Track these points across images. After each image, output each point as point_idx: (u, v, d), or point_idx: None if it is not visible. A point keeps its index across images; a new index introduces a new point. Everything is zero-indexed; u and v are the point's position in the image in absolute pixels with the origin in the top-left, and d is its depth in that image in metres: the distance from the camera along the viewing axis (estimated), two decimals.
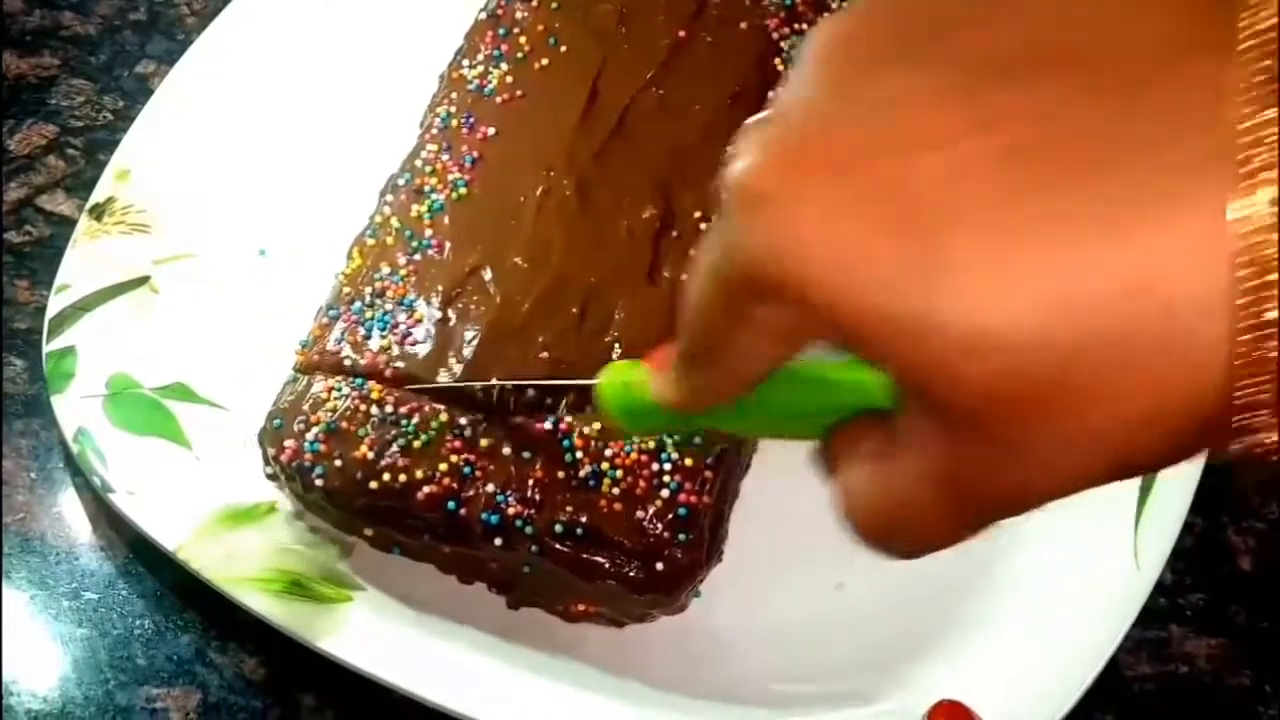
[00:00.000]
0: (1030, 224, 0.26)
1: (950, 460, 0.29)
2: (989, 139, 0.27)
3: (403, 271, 0.55)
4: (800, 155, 0.29)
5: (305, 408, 0.53)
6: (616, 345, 0.53)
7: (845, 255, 0.28)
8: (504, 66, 0.61)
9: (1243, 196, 0.24)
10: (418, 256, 0.56)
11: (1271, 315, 0.25)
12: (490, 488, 0.50)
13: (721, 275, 0.31)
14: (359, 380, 0.53)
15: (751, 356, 0.34)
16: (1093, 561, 0.55)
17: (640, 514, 0.50)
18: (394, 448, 0.51)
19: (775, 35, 0.60)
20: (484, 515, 0.50)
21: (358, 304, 0.55)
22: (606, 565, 0.50)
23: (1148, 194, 0.25)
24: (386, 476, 0.51)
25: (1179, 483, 0.57)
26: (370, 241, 0.57)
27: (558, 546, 0.50)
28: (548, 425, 0.51)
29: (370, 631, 0.53)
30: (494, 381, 0.52)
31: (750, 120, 0.31)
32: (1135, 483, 0.56)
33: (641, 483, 0.50)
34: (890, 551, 0.34)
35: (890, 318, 0.27)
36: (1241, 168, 0.24)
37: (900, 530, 0.33)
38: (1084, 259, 0.26)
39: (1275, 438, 0.26)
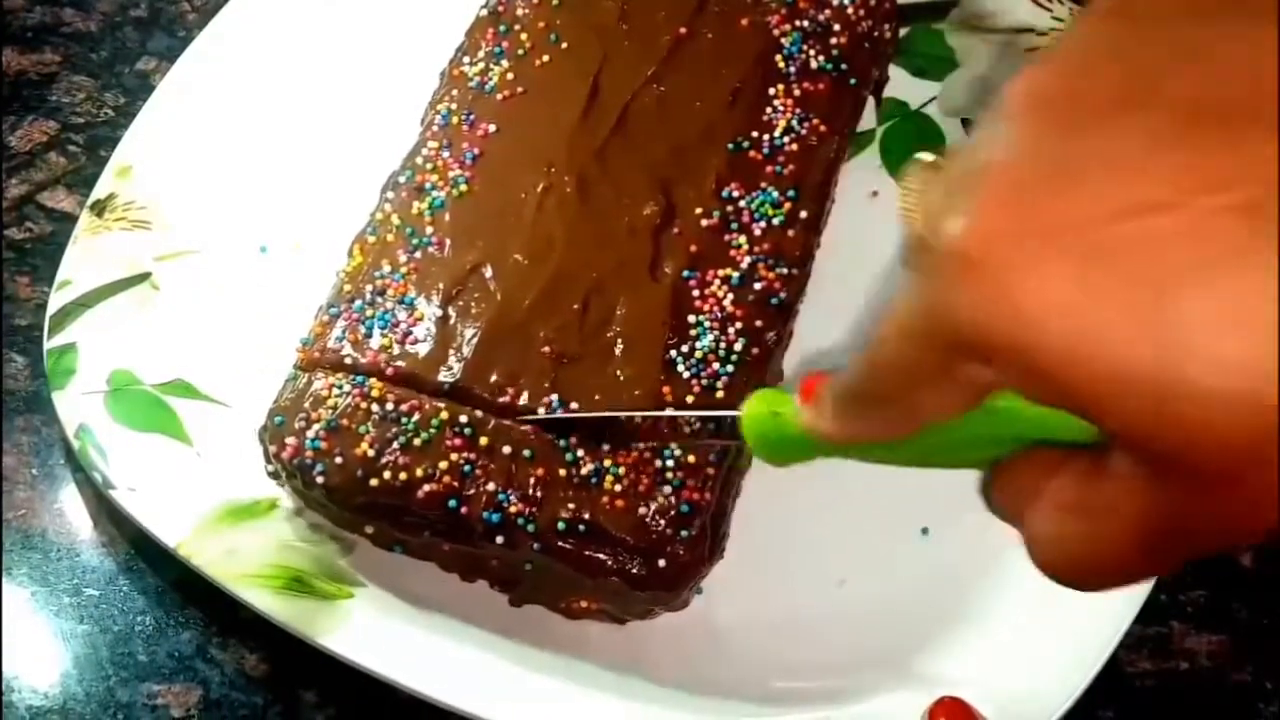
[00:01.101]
0: (1276, 280, 0.25)
1: (1161, 506, 0.29)
2: (1221, 196, 0.26)
3: (403, 269, 0.55)
4: (1021, 218, 0.29)
5: (306, 405, 0.53)
6: (619, 341, 0.53)
7: (1079, 322, 0.28)
8: (505, 63, 0.61)
9: None
10: (418, 254, 0.56)
11: None
12: (491, 486, 0.50)
13: (927, 334, 0.31)
14: (360, 378, 0.53)
15: (938, 405, 0.33)
16: None
17: (642, 511, 0.50)
18: (395, 445, 0.51)
19: (776, 32, 0.60)
20: (485, 513, 0.50)
21: (358, 302, 0.55)
22: (609, 562, 0.50)
23: None
24: (387, 474, 0.51)
25: None
26: (371, 239, 0.57)
27: (560, 544, 0.50)
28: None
29: (371, 628, 0.53)
30: (631, 413, 0.52)
31: (931, 159, 0.32)
32: None
33: (644, 480, 0.50)
34: (1084, 586, 0.33)
35: (1129, 381, 0.27)
36: None
37: (1097, 575, 0.32)
38: None
39: None
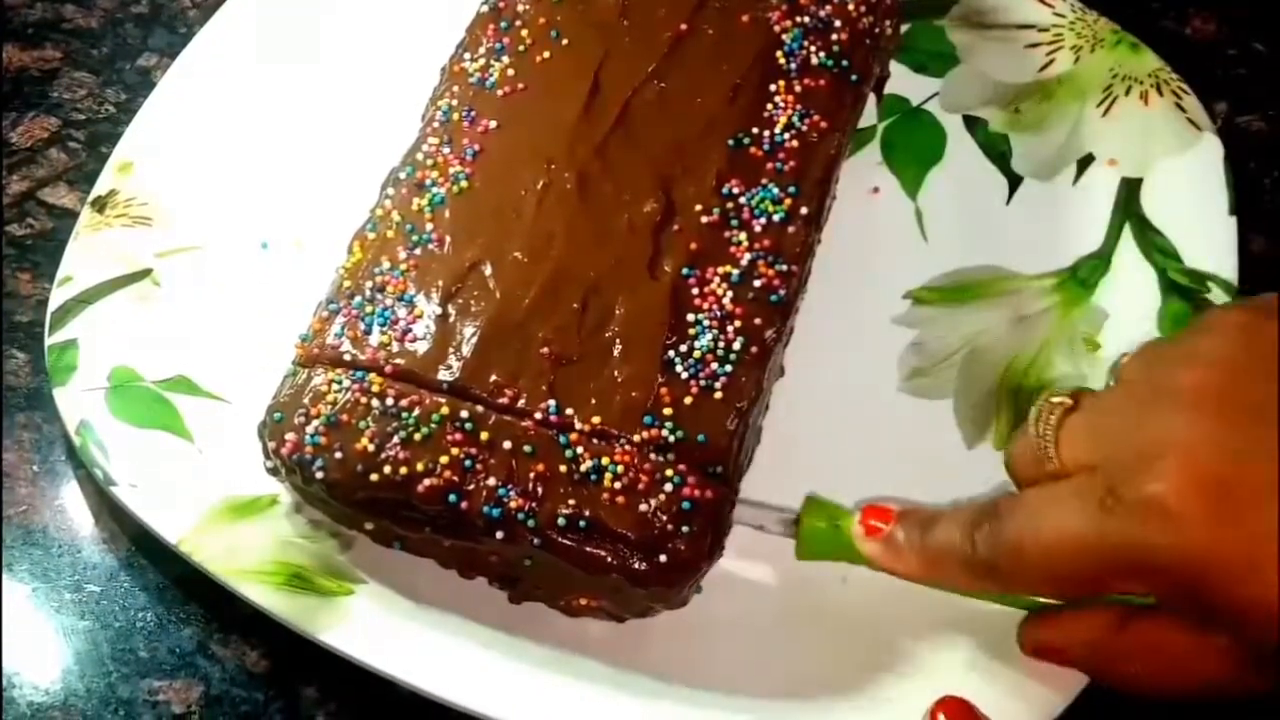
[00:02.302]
0: None
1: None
2: None
3: (403, 266, 0.55)
4: (1216, 486, 0.38)
5: (305, 401, 0.53)
6: (617, 342, 0.53)
7: (1262, 575, 0.37)
8: (505, 59, 0.61)
9: None
10: (418, 251, 0.56)
11: None
12: (492, 481, 0.50)
13: (1111, 556, 0.40)
14: (359, 373, 0.53)
15: (1061, 596, 0.47)
16: None
17: (643, 507, 0.50)
18: (395, 440, 0.51)
19: (777, 28, 0.60)
20: (485, 509, 0.50)
21: (358, 299, 0.55)
22: (609, 558, 0.50)
23: None
24: (387, 469, 0.51)
25: None
26: (371, 235, 0.57)
27: (560, 540, 0.50)
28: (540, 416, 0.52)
29: (372, 624, 0.53)
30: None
31: (1063, 400, 0.45)
32: None
33: (644, 477, 0.50)
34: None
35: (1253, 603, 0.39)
36: None
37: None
38: None
39: None
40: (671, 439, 0.51)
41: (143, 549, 0.58)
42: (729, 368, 0.53)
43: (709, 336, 0.53)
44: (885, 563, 0.49)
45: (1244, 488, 0.38)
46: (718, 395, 0.52)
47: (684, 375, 0.52)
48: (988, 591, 0.49)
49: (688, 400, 0.52)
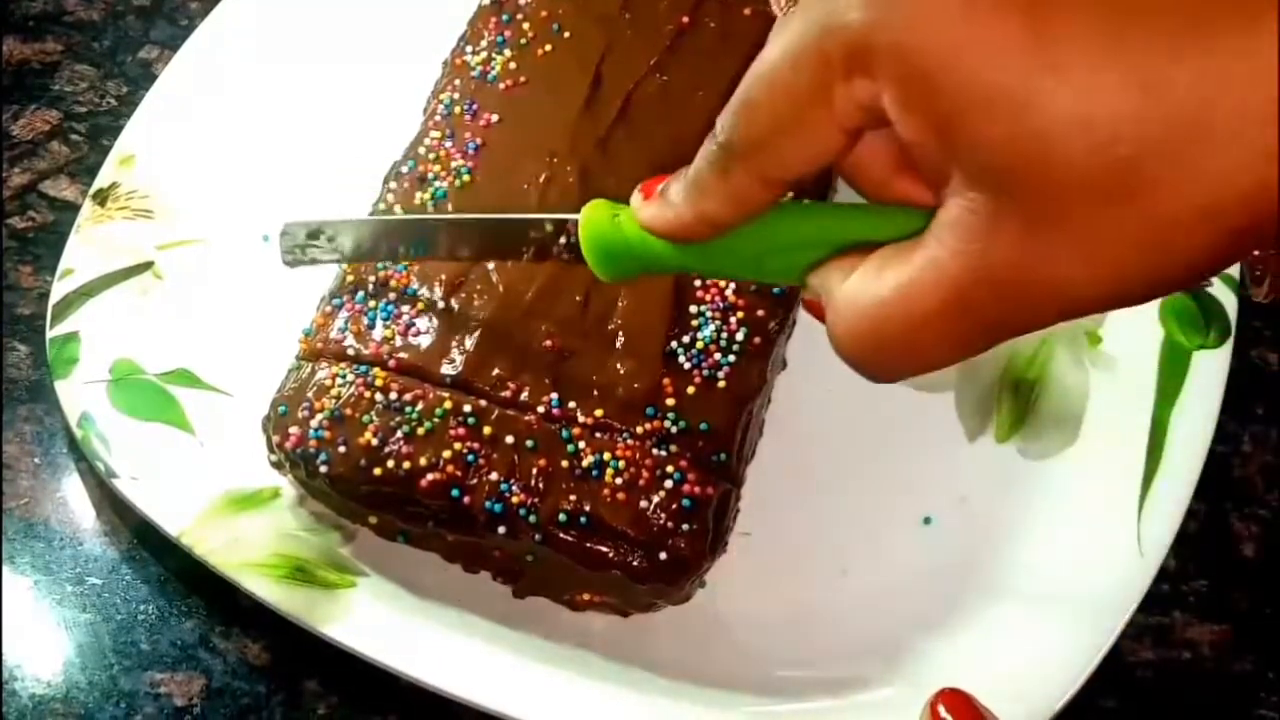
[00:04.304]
0: (1130, 27, 0.28)
1: (996, 254, 0.31)
2: None
3: (405, 261, 0.55)
4: None
5: (310, 394, 0.53)
6: (620, 334, 0.53)
7: (968, 27, 0.29)
8: (507, 53, 0.61)
9: None
10: None
11: None
12: (494, 476, 0.51)
13: (815, 46, 0.32)
14: (363, 367, 0.53)
15: (810, 149, 0.34)
16: (1096, 548, 0.55)
17: (644, 504, 0.50)
18: (398, 435, 0.51)
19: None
20: (488, 503, 0.50)
21: (361, 293, 0.55)
22: (610, 555, 0.50)
23: (1246, 6, 0.28)
24: (390, 463, 0.51)
25: (1182, 470, 0.57)
26: None
27: (561, 535, 0.50)
28: (543, 410, 0.52)
29: (373, 617, 0.53)
30: (466, 215, 0.52)
31: None
32: (1138, 470, 0.56)
33: (645, 473, 0.50)
34: (884, 369, 0.35)
35: (999, 92, 0.29)
36: None
37: (902, 343, 0.33)
38: (1181, 62, 0.28)
39: None
40: (674, 429, 0.51)
41: (144, 542, 0.58)
42: (732, 358, 0.53)
43: (712, 328, 0.53)
44: (661, 225, 0.40)
45: None
46: (721, 385, 0.52)
47: (686, 366, 0.53)
48: (743, 217, 0.39)
49: (690, 390, 0.52)
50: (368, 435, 0.51)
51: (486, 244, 0.51)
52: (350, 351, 0.53)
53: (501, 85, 0.60)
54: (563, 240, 0.46)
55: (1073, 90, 0.28)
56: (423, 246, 0.52)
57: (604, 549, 0.50)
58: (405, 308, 0.54)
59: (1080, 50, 0.28)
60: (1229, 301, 0.61)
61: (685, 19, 0.61)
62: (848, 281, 0.35)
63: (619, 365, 0.53)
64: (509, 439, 0.51)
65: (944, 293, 0.32)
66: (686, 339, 0.53)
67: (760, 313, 0.54)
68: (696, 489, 0.50)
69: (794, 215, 0.38)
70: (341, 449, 0.51)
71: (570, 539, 0.50)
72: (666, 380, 0.52)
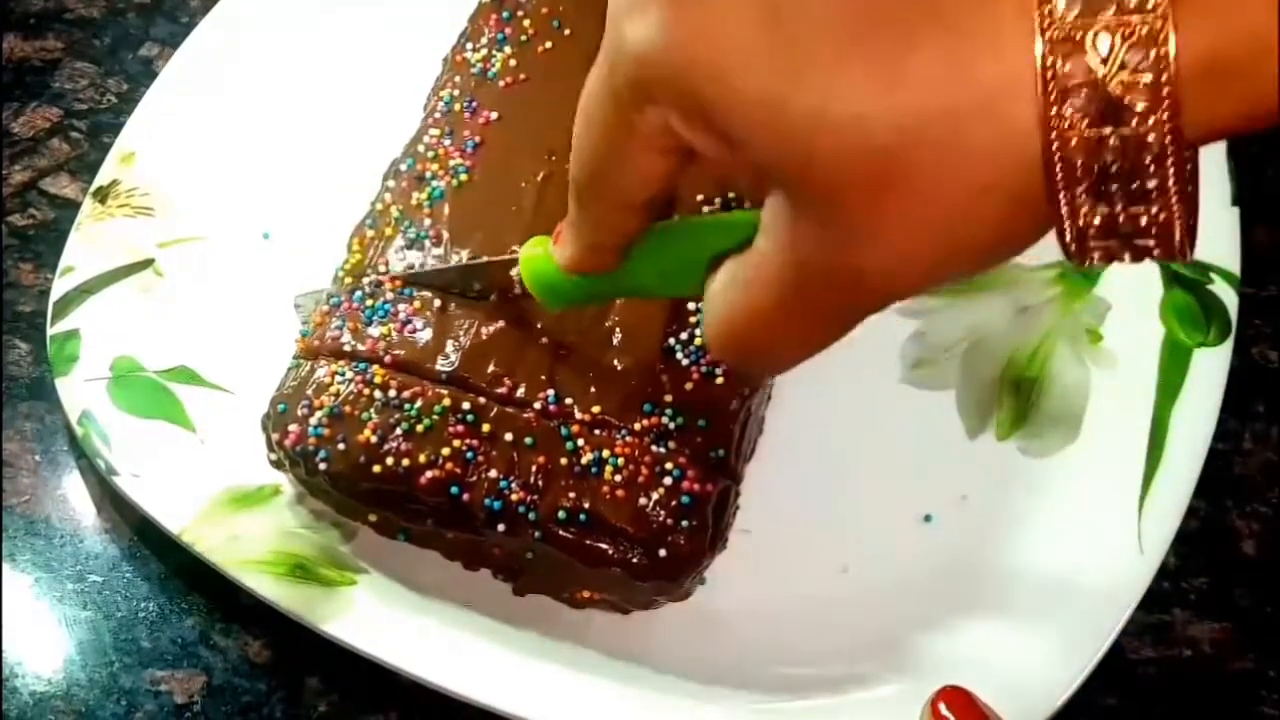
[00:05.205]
0: (866, 23, 0.29)
1: (802, 251, 0.32)
2: None
3: (401, 266, 0.55)
4: None
5: (309, 392, 0.53)
6: (617, 330, 0.53)
7: (722, 45, 0.31)
8: (507, 50, 0.61)
9: None
10: (415, 247, 0.56)
11: (1074, 81, 0.28)
12: (493, 473, 0.50)
13: (610, 83, 0.35)
14: (362, 364, 0.53)
15: (637, 174, 0.37)
16: (1096, 546, 0.55)
17: (643, 501, 0.50)
18: (397, 432, 0.51)
19: None
20: (487, 501, 0.50)
21: (358, 293, 0.55)
22: (610, 552, 0.50)
23: None
24: (390, 461, 0.51)
25: (1183, 467, 0.57)
26: (370, 232, 0.57)
27: (561, 533, 0.50)
28: (540, 406, 0.52)
29: (374, 615, 0.53)
30: (434, 269, 0.54)
31: None
32: (1139, 467, 0.56)
33: (644, 470, 0.50)
34: (749, 363, 0.37)
35: (757, 100, 0.30)
36: None
37: (755, 338, 0.35)
38: (919, 50, 0.29)
39: (1090, 214, 0.29)
40: (672, 426, 0.51)
41: (145, 539, 0.58)
42: None
43: None
44: (564, 262, 0.43)
45: None
46: (719, 381, 0.52)
47: (685, 362, 0.52)
48: (617, 241, 0.42)
49: (688, 386, 0.52)
50: (367, 433, 0.51)
51: (467, 286, 0.54)
52: (347, 349, 0.53)
53: (502, 83, 0.60)
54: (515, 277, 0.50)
55: (816, 91, 0.29)
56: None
57: (603, 546, 0.50)
58: (402, 306, 0.54)
59: (819, 53, 0.29)
60: (1230, 299, 0.61)
61: None
62: (708, 289, 0.37)
63: (616, 361, 0.53)
64: (508, 436, 0.51)
65: (774, 290, 0.34)
66: (684, 335, 0.53)
67: None
68: (696, 486, 0.50)
69: (675, 235, 0.41)
70: (341, 446, 0.51)
71: (570, 536, 0.50)
72: (664, 376, 0.52)
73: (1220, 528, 0.59)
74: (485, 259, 0.53)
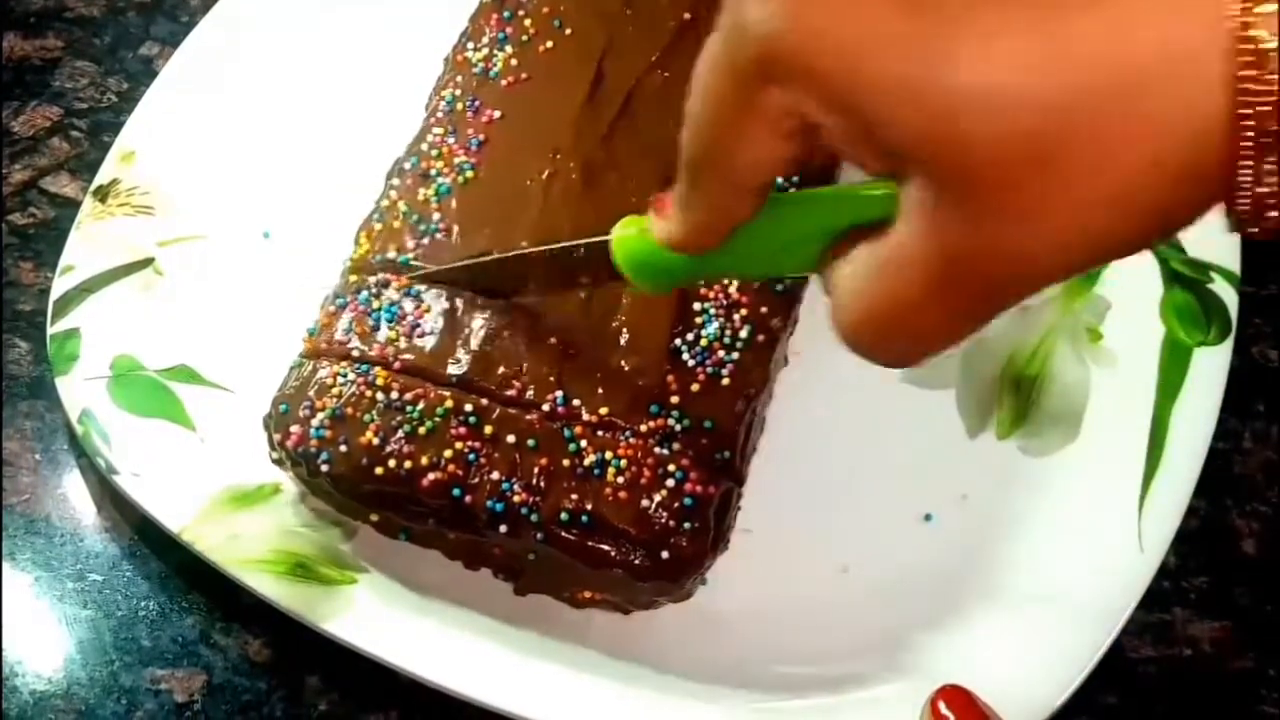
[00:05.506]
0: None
1: (950, 236, 0.30)
2: None
3: (410, 257, 0.55)
4: None
5: (311, 393, 0.53)
6: (624, 331, 0.53)
7: (856, 24, 0.29)
8: (509, 49, 0.61)
9: None
10: (425, 241, 0.56)
11: (1270, 45, 0.26)
12: (495, 475, 0.50)
13: (730, 62, 0.32)
14: (364, 366, 0.53)
15: (758, 157, 0.35)
16: (1096, 545, 0.55)
17: (645, 503, 0.50)
18: (399, 434, 0.51)
19: None
20: (489, 502, 0.50)
21: (364, 293, 0.55)
22: (612, 553, 0.50)
23: None
24: (392, 462, 0.51)
25: (1183, 466, 0.57)
26: (378, 226, 0.57)
27: (563, 534, 0.50)
28: (548, 408, 0.52)
29: (374, 614, 0.53)
30: (500, 254, 0.53)
31: None
32: (1139, 466, 0.56)
33: (646, 472, 0.50)
34: (887, 354, 0.35)
35: (899, 81, 0.29)
36: None
37: (895, 327, 0.33)
38: (1083, 17, 0.27)
39: (1274, 179, 0.27)
40: (677, 427, 0.51)
41: (145, 538, 0.58)
42: (736, 355, 0.53)
43: (715, 325, 0.53)
44: (670, 240, 0.41)
45: None
46: (725, 382, 0.52)
47: (691, 363, 0.53)
48: (731, 221, 0.39)
49: (694, 387, 0.52)
50: (369, 434, 0.51)
51: (537, 282, 0.52)
52: (355, 353, 0.53)
53: (503, 82, 0.60)
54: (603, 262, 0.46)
55: (965, 67, 0.28)
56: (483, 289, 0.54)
57: (605, 548, 0.50)
58: (409, 307, 0.54)
59: (965, 24, 0.28)
60: (1230, 298, 0.61)
61: (687, 14, 0.60)
62: (839, 274, 0.35)
63: (623, 362, 0.53)
64: (510, 438, 0.51)
65: (918, 276, 0.32)
66: (691, 336, 0.53)
67: (764, 309, 0.54)
68: (698, 488, 0.50)
69: (793, 208, 0.39)
70: (343, 448, 0.51)
71: (572, 538, 0.50)
72: (671, 378, 0.52)
73: (1220, 527, 0.59)
74: (570, 242, 0.49)
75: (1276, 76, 0.26)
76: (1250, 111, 0.26)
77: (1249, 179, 0.27)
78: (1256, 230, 0.28)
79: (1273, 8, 0.26)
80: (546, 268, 0.51)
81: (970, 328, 0.33)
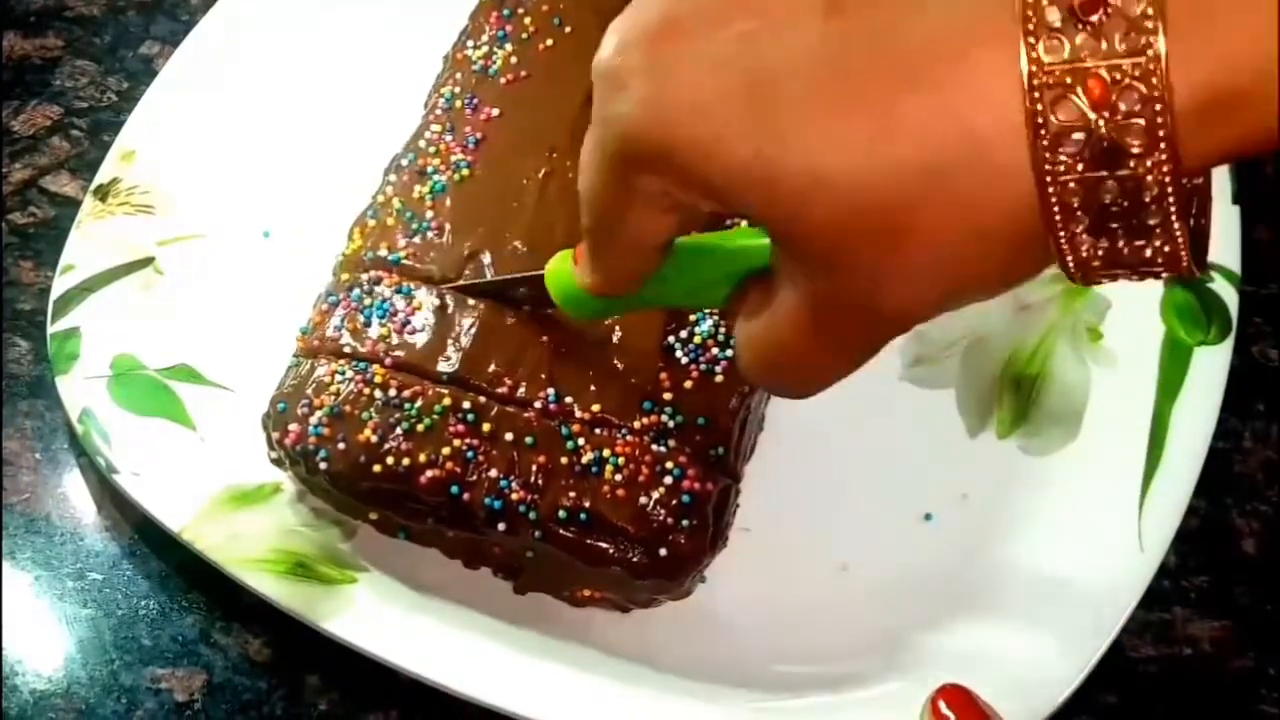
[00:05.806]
0: (848, 82, 0.29)
1: (815, 296, 0.33)
2: (834, 22, 0.30)
3: (402, 254, 0.55)
4: (658, 30, 0.33)
5: (309, 392, 0.53)
6: (616, 329, 0.53)
7: (708, 119, 0.31)
8: (508, 47, 0.61)
9: (1028, 24, 0.27)
10: (417, 239, 0.56)
11: (1061, 119, 0.28)
12: (493, 473, 0.50)
13: (603, 155, 0.35)
14: (362, 364, 0.53)
15: (644, 230, 0.38)
16: (1096, 544, 0.55)
17: (643, 500, 0.50)
18: (398, 431, 0.51)
19: None
20: (487, 500, 0.50)
21: (356, 291, 0.55)
22: (610, 551, 0.50)
23: (951, 45, 0.29)
24: (390, 460, 0.51)
25: (1183, 466, 0.56)
26: (371, 222, 0.57)
27: (561, 532, 0.50)
28: (541, 406, 0.52)
29: (374, 613, 0.53)
30: (460, 283, 0.55)
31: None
32: (1139, 466, 0.56)
33: (644, 469, 0.50)
34: (783, 390, 0.38)
35: (744, 168, 0.31)
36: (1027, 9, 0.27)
37: (785, 368, 0.36)
38: (900, 106, 0.29)
39: (1092, 248, 0.29)
40: (671, 424, 0.51)
41: (145, 537, 0.58)
42: (730, 352, 0.53)
43: (709, 322, 0.53)
44: (586, 285, 0.43)
45: (676, 26, 0.32)
46: (718, 379, 0.52)
47: (684, 360, 0.52)
48: (635, 276, 0.42)
49: (688, 384, 0.52)
50: (367, 432, 0.51)
51: (504, 296, 0.54)
52: (347, 349, 0.53)
53: (502, 80, 0.60)
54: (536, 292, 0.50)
55: (803, 151, 0.30)
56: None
57: (604, 545, 0.50)
58: (401, 304, 0.54)
59: (801, 114, 0.30)
60: (1230, 297, 0.60)
61: None
62: (736, 318, 0.38)
63: (616, 360, 0.53)
64: (508, 436, 0.51)
65: (795, 327, 0.34)
66: (684, 333, 0.53)
67: None
68: (696, 485, 0.50)
69: (695, 258, 0.41)
70: (341, 446, 0.51)
71: (570, 535, 0.50)
72: (664, 375, 0.52)
73: (1220, 526, 0.59)
74: (520, 274, 0.53)
75: (1073, 157, 0.28)
76: (1054, 189, 0.28)
77: (1068, 247, 0.29)
78: (1099, 282, 0.30)
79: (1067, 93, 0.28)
80: (515, 289, 0.54)
81: (850, 366, 0.36)
